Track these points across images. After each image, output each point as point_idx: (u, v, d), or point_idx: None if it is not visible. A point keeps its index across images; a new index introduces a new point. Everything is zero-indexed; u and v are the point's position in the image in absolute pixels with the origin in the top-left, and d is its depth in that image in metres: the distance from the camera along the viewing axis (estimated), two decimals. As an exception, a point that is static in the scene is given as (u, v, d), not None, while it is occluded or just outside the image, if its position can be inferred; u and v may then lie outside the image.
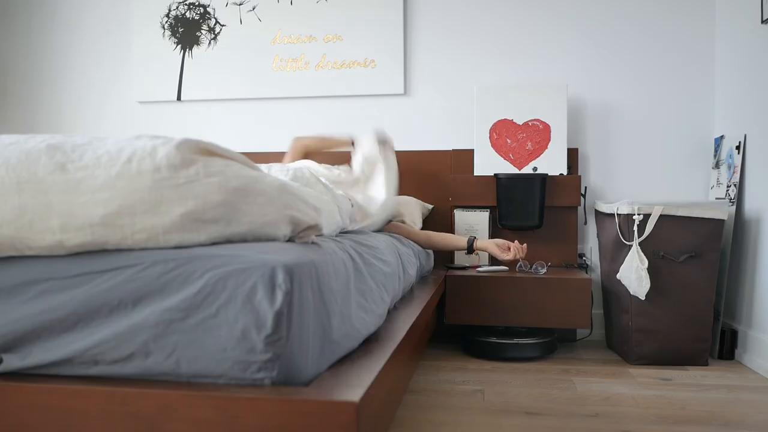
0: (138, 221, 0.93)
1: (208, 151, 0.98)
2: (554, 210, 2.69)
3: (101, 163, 0.94)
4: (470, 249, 2.36)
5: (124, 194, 0.92)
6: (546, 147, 2.66)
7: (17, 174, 0.93)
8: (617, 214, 2.32)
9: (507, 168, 2.68)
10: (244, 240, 1.02)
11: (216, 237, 0.99)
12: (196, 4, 3.07)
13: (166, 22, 3.10)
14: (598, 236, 2.65)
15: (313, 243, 1.17)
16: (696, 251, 2.23)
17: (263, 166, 1.76)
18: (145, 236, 0.94)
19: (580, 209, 2.76)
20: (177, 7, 3.09)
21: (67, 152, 0.96)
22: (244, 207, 0.99)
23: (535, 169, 2.66)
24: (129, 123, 3.18)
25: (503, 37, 2.86)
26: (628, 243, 2.25)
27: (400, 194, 2.86)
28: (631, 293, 2.22)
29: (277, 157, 2.96)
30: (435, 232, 2.43)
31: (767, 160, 2.23)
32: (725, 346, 2.34)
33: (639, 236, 2.23)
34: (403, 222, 2.50)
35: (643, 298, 2.18)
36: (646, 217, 2.24)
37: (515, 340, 2.32)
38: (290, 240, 1.12)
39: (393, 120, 2.95)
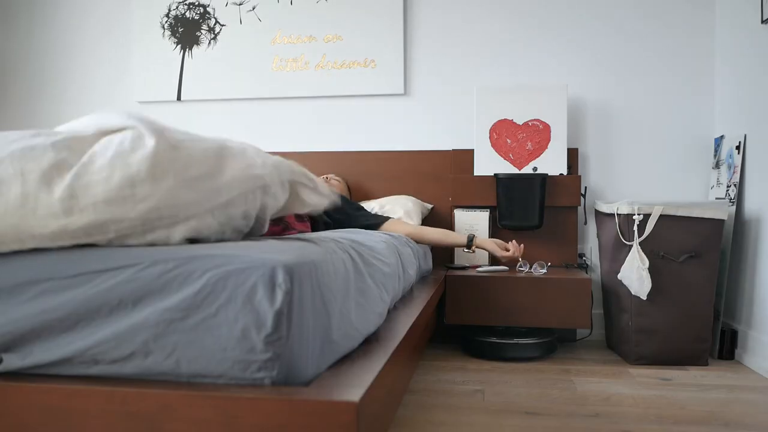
0: (138, 191, 0.97)
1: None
2: (554, 210, 2.69)
3: (97, 151, 1.01)
4: (469, 245, 2.36)
5: (122, 167, 0.98)
6: (546, 147, 2.66)
7: (22, 166, 0.97)
8: (617, 214, 2.32)
9: (507, 168, 2.68)
10: (230, 191, 1.07)
11: (207, 191, 1.04)
12: (196, 4, 3.07)
13: (166, 22, 3.10)
14: (598, 236, 2.65)
15: (312, 242, 1.18)
16: (696, 251, 2.23)
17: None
18: (146, 205, 0.98)
19: (580, 209, 2.76)
20: (177, 7, 3.09)
21: (73, 148, 1.02)
22: (228, 160, 1.08)
23: (535, 169, 2.66)
24: (129, 123, 3.18)
25: (503, 37, 2.86)
26: (628, 243, 2.25)
27: (399, 194, 2.86)
28: (633, 293, 2.22)
29: (277, 157, 2.96)
30: (430, 228, 2.37)
31: (767, 160, 2.23)
32: (725, 346, 2.34)
33: (639, 236, 2.23)
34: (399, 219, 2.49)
35: (644, 298, 2.18)
36: (646, 217, 2.24)
37: (515, 340, 2.32)
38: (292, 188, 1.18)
39: (393, 120, 2.96)
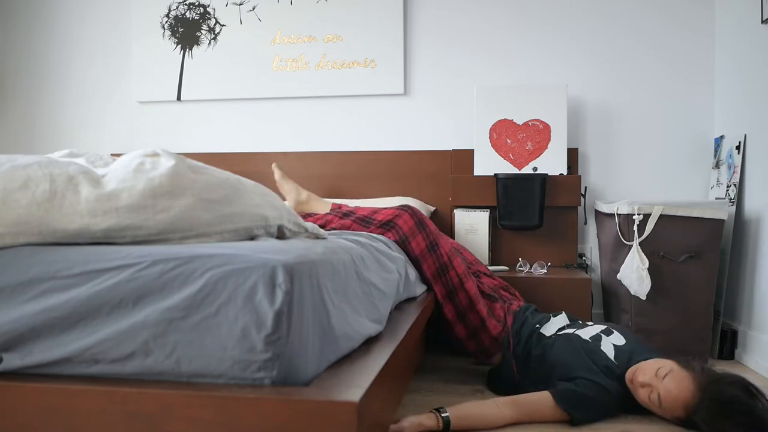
0: (159, 202, 1.04)
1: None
2: (554, 210, 2.69)
3: (119, 166, 1.11)
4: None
5: (145, 181, 1.05)
6: (546, 147, 2.66)
7: (50, 170, 1.04)
8: (617, 214, 2.32)
9: (507, 168, 2.68)
10: (241, 220, 1.15)
11: (220, 216, 1.11)
12: (196, 4, 3.07)
13: (166, 22, 3.10)
14: (598, 236, 2.65)
15: (319, 238, 1.21)
16: (696, 251, 2.23)
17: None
18: (165, 216, 1.05)
19: (580, 209, 2.76)
20: (177, 7, 3.09)
21: (95, 163, 1.18)
22: (242, 193, 1.17)
23: (535, 169, 2.66)
24: (129, 123, 3.18)
25: (503, 37, 2.86)
26: (628, 243, 2.25)
27: (399, 195, 2.86)
28: (632, 293, 2.22)
29: (276, 156, 2.97)
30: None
31: (767, 160, 2.23)
32: (725, 346, 2.34)
33: (639, 236, 2.23)
34: None
35: (644, 298, 2.18)
36: (646, 217, 2.24)
37: (515, 340, 2.31)
38: (280, 232, 1.24)
39: (393, 120, 2.96)
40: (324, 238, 1.37)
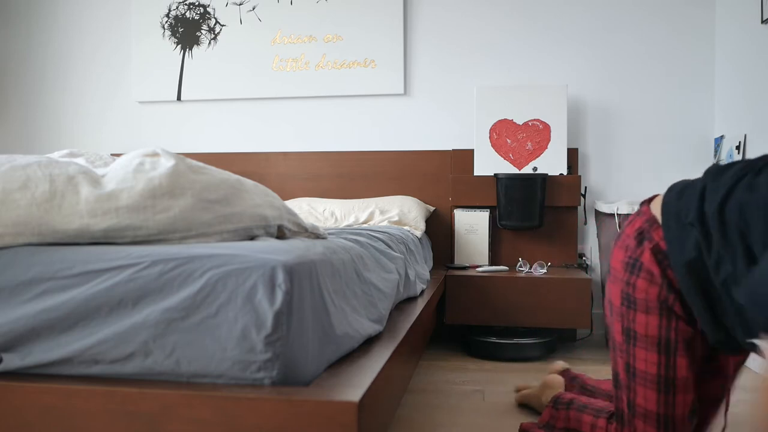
0: (159, 202, 1.04)
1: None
2: (554, 210, 2.69)
3: (119, 166, 1.11)
4: None
5: (145, 181, 1.05)
6: (546, 147, 2.66)
7: (50, 171, 1.05)
8: (617, 214, 2.32)
9: (507, 168, 2.68)
10: (241, 221, 1.16)
11: (220, 216, 1.11)
12: (196, 4, 3.07)
13: (166, 22, 3.10)
14: (598, 236, 2.65)
15: (319, 238, 1.21)
16: (696, 251, 2.22)
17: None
18: (164, 216, 1.05)
19: (580, 209, 2.76)
20: (177, 7, 3.09)
21: (95, 163, 1.19)
22: (242, 194, 1.18)
23: (535, 169, 2.66)
24: (129, 123, 3.18)
25: (503, 37, 2.86)
26: (628, 243, 2.25)
27: (399, 194, 2.86)
28: (631, 293, 2.22)
29: (276, 156, 2.97)
30: None
31: (767, 160, 2.23)
32: (725, 346, 2.34)
33: (639, 236, 2.23)
34: None
35: (643, 298, 2.18)
36: (646, 217, 2.24)
37: (515, 340, 2.32)
38: (280, 232, 1.25)
39: (393, 120, 2.96)
40: (324, 238, 1.37)
